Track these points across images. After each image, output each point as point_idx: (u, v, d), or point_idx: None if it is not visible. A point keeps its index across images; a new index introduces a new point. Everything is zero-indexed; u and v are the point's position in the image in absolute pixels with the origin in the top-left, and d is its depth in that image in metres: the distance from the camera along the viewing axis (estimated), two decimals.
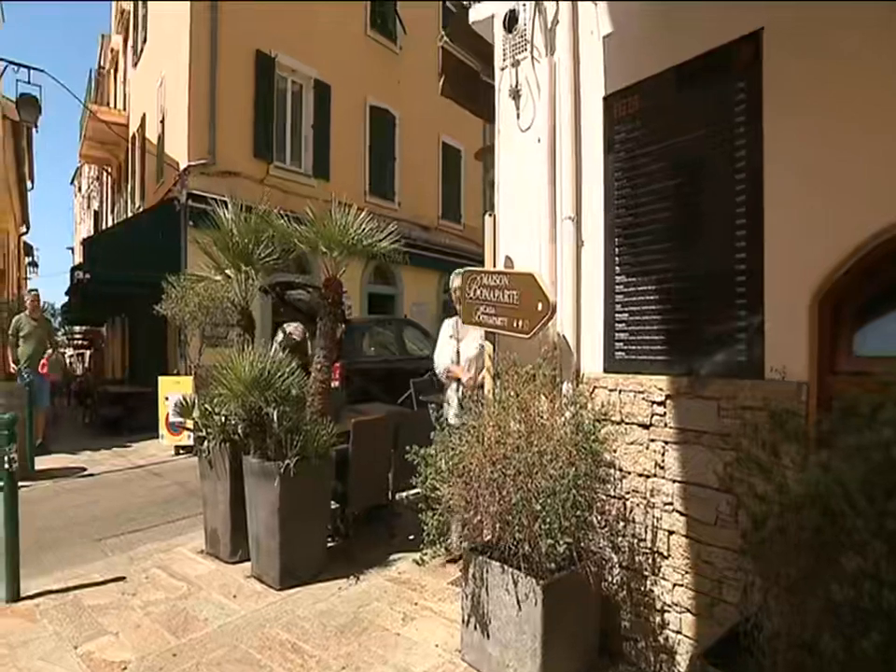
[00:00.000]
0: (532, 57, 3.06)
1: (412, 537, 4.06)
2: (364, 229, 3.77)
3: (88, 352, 19.49)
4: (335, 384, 4.45)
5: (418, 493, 2.70)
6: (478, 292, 3.01)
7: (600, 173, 2.80)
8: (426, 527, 2.51)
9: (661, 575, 2.53)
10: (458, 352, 3.89)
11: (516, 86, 3.11)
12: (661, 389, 2.53)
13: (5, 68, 10.23)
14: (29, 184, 18.95)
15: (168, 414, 7.77)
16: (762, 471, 1.59)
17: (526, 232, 3.02)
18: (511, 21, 3.11)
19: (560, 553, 2.15)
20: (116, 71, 18.72)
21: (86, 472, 6.96)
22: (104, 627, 3.07)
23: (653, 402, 2.56)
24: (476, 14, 3.39)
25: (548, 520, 2.09)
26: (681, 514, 2.47)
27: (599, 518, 2.41)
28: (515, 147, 3.15)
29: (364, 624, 3.04)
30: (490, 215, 3.10)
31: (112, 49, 19.39)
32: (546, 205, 2.91)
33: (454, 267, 12.54)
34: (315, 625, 3.05)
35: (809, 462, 1.48)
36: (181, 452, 7.88)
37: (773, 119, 2.21)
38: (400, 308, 13.26)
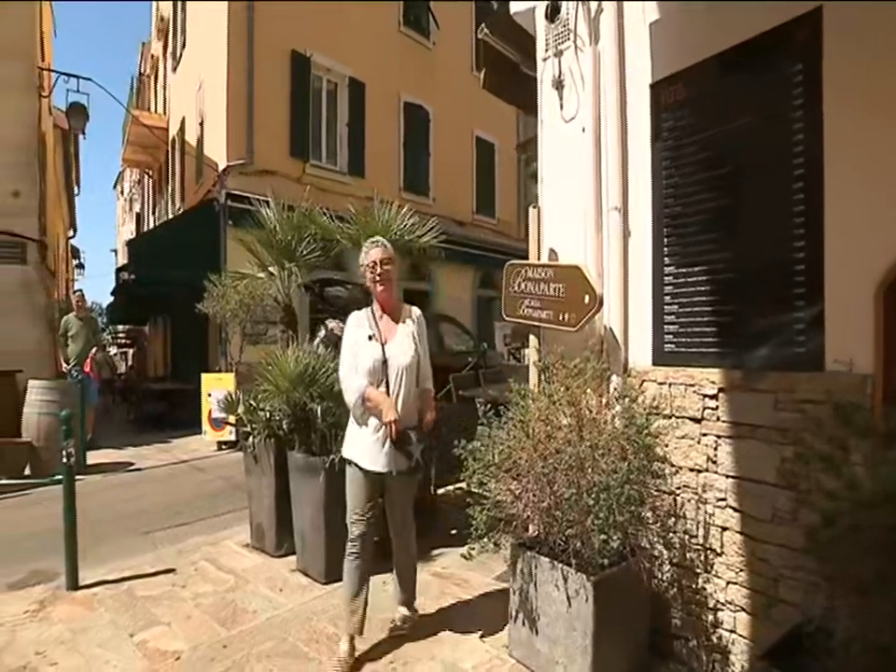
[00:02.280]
0: (575, 46, 3.01)
1: (453, 531, 4.06)
2: (406, 224, 3.78)
3: (131, 350, 20.04)
4: None
5: (460, 488, 2.71)
6: (522, 285, 2.99)
7: (647, 162, 2.74)
8: (473, 522, 2.49)
9: (714, 572, 2.47)
10: (385, 361, 2.63)
11: (559, 76, 3.07)
12: (713, 382, 2.46)
13: (56, 79, 10.60)
14: (76, 189, 19.66)
15: (211, 410, 7.93)
16: (829, 467, 1.53)
17: (571, 224, 2.98)
18: (553, 11, 3.06)
19: (613, 548, 2.12)
20: (156, 77, 19.18)
21: (133, 467, 7.18)
22: (156, 617, 3.16)
23: (705, 396, 2.50)
24: (517, 5, 3.35)
25: (601, 515, 2.06)
26: (735, 510, 2.40)
27: (650, 513, 2.36)
28: (559, 137, 3.11)
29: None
30: (534, 207, 3.07)
31: (152, 56, 19.88)
32: (591, 196, 2.86)
33: (489, 262, 12.45)
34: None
35: (882, 458, 1.41)
36: (223, 447, 8.05)
37: (833, 104, 2.12)
38: (435, 304, 13.27)
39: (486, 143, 15.30)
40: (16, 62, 8.76)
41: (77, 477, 6.00)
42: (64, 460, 3.62)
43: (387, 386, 2.64)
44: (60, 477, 3.71)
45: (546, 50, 3.17)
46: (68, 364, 8.03)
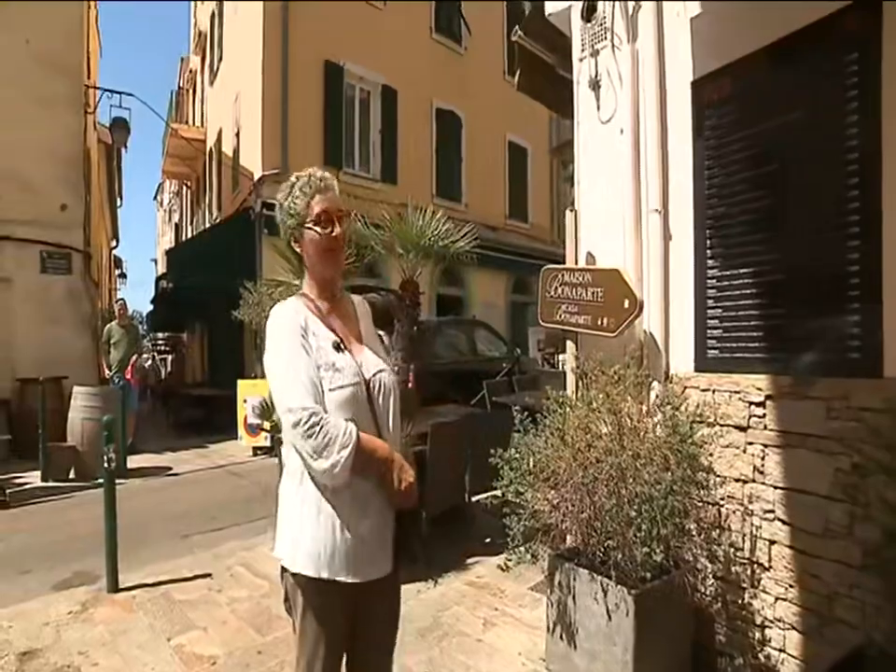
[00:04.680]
0: (612, 45, 2.96)
1: (488, 540, 4.02)
2: (440, 230, 3.76)
3: (170, 356, 20.51)
4: (409, 385, 4.46)
5: (495, 496, 2.64)
6: (559, 290, 2.93)
7: (689, 162, 2.67)
8: (510, 531, 2.44)
9: (761, 587, 2.37)
10: (367, 383, 1.56)
11: (596, 76, 3.01)
12: (759, 389, 2.36)
13: (101, 96, 10.98)
14: (119, 201, 20.31)
15: (246, 416, 8.03)
16: (892, 479, 1.44)
17: (609, 228, 2.91)
18: (589, 10, 3.01)
19: (656, 562, 2.04)
20: (194, 90, 19.69)
21: (172, 471, 7.30)
22: (193, 622, 3.19)
23: (751, 403, 2.40)
24: (552, 6, 3.32)
25: (643, 527, 1.99)
26: (784, 523, 2.30)
27: (694, 525, 2.27)
28: (596, 139, 3.05)
29: (444, 629, 3.01)
30: (571, 210, 3.01)
31: (191, 70, 20.42)
32: (630, 198, 2.80)
33: (522, 267, 12.38)
34: None
35: None
36: (258, 452, 8.14)
37: (892, 95, 2.00)
38: (469, 309, 13.24)
39: (519, 147, 15.26)
40: (64, 80, 9.10)
41: (119, 481, 6.19)
42: (105, 465, 3.70)
43: (376, 427, 1.56)
44: (102, 480, 3.79)
45: (582, 51, 3.12)
46: (110, 370, 8.24)
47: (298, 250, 1.61)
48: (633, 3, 2.83)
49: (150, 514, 5.39)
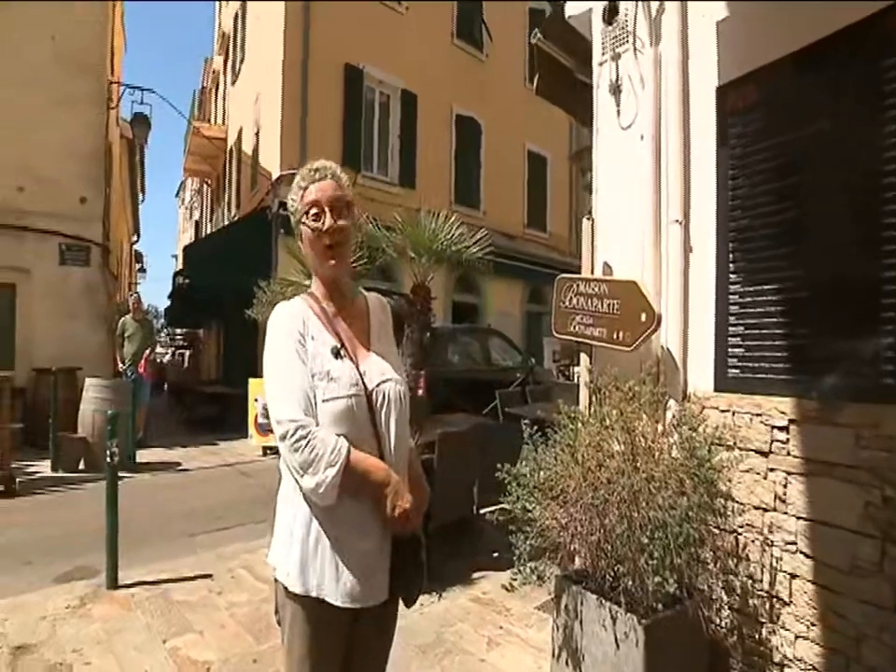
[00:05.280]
0: (634, 49, 2.85)
1: (495, 554, 3.91)
2: (453, 234, 3.68)
3: (187, 353, 20.67)
4: (419, 392, 4.39)
5: (504, 509, 2.54)
6: (573, 301, 2.83)
7: (712, 171, 2.55)
8: (517, 550, 2.34)
9: (780, 623, 2.24)
10: (368, 394, 1.43)
11: (616, 81, 2.92)
12: (783, 413, 2.24)
13: (123, 91, 11.09)
14: (141, 197, 20.57)
15: (257, 415, 8.01)
16: None
17: (628, 237, 2.81)
18: (611, 11, 2.92)
19: (668, 592, 1.93)
20: (216, 90, 19.86)
21: (181, 468, 7.30)
22: (190, 624, 3.13)
23: (774, 427, 2.28)
24: (573, 8, 3.23)
25: (656, 555, 1.88)
26: (807, 557, 2.17)
27: (710, 553, 2.15)
28: (615, 145, 2.95)
29: (447, 646, 2.91)
30: (588, 218, 2.92)
31: (213, 70, 20.62)
32: (650, 208, 2.69)
33: (539, 277, 12.24)
34: (397, 642, 2.94)
35: None
36: (268, 452, 8.10)
37: None
38: (484, 318, 13.14)
39: (538, 156, 15.16)
40: (88, 76, 9.22)
41: (127, 475, 6.25)
42: (108, 459, 3.66)
43: (378, 443, 1.43)
44: None
45: (603, 54, 3.03)
46: (123, 364, 8.27)
47: (304, 249, 1.51)
48: (656, 3, 2.73)
49: (156, 511, 5.36)
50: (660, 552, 1.88)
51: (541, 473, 2.30)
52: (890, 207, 1.97)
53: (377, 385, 1.45)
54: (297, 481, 1.35)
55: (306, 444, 1.29)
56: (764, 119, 2.38)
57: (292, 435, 1.30)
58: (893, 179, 1.96)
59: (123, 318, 8.51)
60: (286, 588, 1.41)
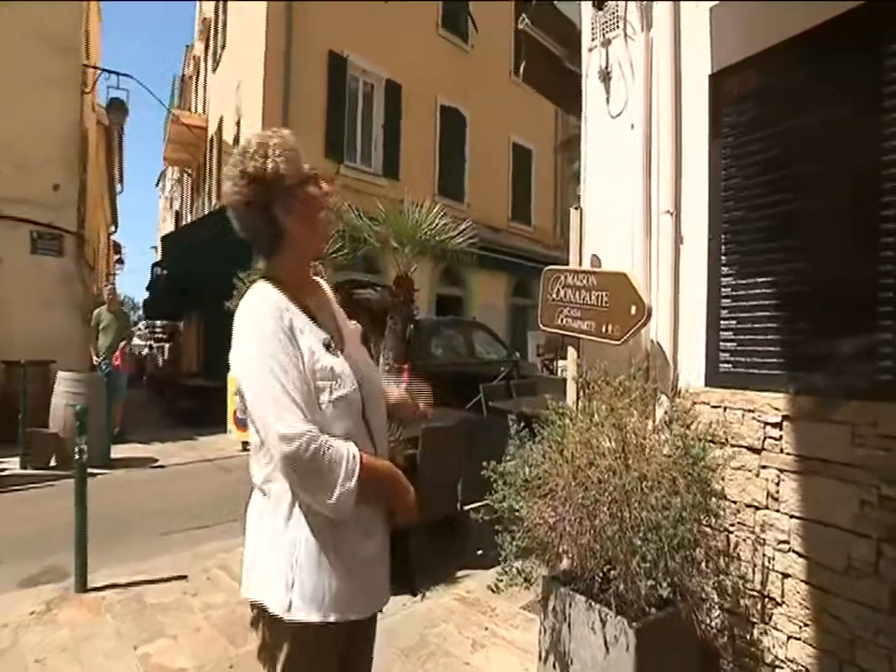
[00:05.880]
0: (625, 34, 2.77)
1: (480, 552, 3.84)
2: (436, 225, 3.58)
3: (167, 345, 20.34)
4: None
5: (489, 506, 2.46)
6: (561, 293, 2.75)
7: (704, 161, 2.48)
8: (503, 552, 2.26)
9: (772, 624, 2.19)
10: (362, 389, 1.35)
11: (606, 67, 2.83)
12: (777, 409, 2.18)
13: (99, 75, 10.78)
14: (119, 186, 20.13)
15: (236, 410, 7.86)
16: None
17: (617, 228, 2.73)
18: None
19: (661, 595, 1.86)
20: (197, 77, 19.48)
21: (158, 463, 7.12)
22: (163, 628, 3.02)
23: (766, 423, 2.22)
24: None
25: (648, 557, 1.81)
26: (800, 556, 2.12)
27: (701, 552, 2.09)
28: (604, 134, 2.87)
29: (431, 648, 2.83)
30: (576, 208, 2.83)
31: (194, 57, 20.21)
32: (640, 198, 2.62)
33: (524, 270, 12.21)
34: (378, 644, 2.86)
35: None
36: (248, 447, 7.96)
37: None
38: (469, 311, 13.07)
39: (523, 149, 15.10)
40: (62, 58, 8.92)
41: (101, 471, 6.06)
42: (77, 456, 3.50)
43: (370, 437, 1.36)
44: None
45: (592, 40, 2.94)
46: (98, 357, 8.07)
47: (281, 224, 1.31)
48: None
49: (130, 508, 5.20)
50: (653, 554, 1.81)
51: (529, 470, 2.22)
52: (887, 199, 1.90)
53: (364, 375, 1.36)
54: (309, 500, 1.22)
55: (323, 456, 1.16)
56: (759, 107, 2.31)
57: (306, 450, 1.14)
58: (891, 170, 1.90)
59: (98, 310, 8.30)
60: (283, 622, 1.24)
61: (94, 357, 8.18)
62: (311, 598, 1.23)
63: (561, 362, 9.39)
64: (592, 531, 1.93)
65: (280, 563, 1.26)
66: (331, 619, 1.24)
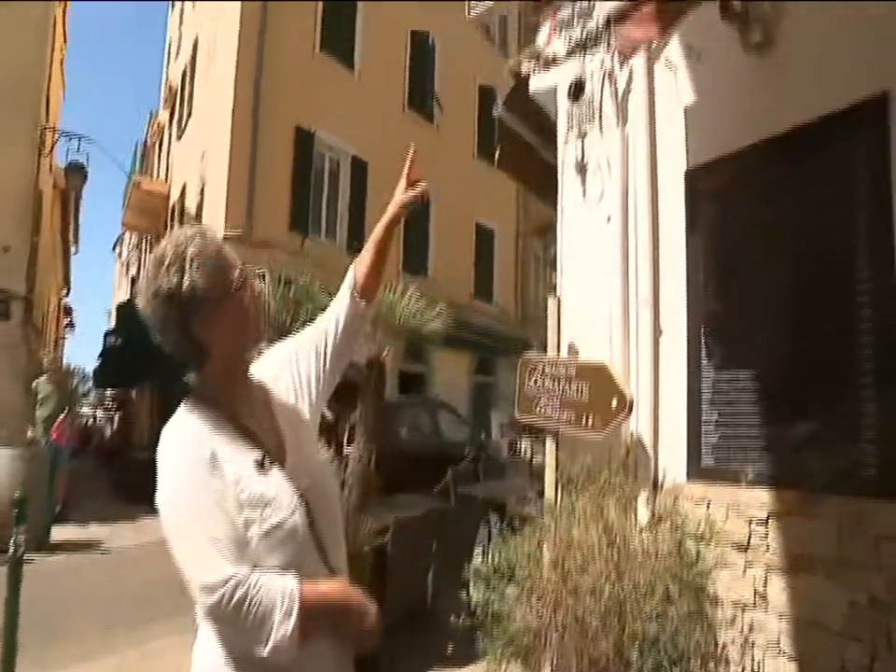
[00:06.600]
0: (601, 128, 2.87)
1: (451, 647, 3.61)
2: (410, 308, 3.55)
3: (117, 415, 19.49)
4: (371, 468, 4.11)
5: (460, 597, 2.30)
6: (539, 382, 2.71)
7: (682, 254, 2.55)
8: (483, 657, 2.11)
9: None
10: (307, 505, 1.16)
11: (582, 159, 2.92)
12: (762, 504, 2.16)
13: (58, 138, 10.66)
14: (73, 249, 19.67)
15: None
16: None
17: (595, 318, 2.74)
18: (577, 89, 2.94)
19: None
20: (160, 144, 19.60)
21: (104, 546, 6.63)
22: None
23: (752, 520, 2.19)
24: (538, 83, 3.22)
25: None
26: (792, 659, 2.05)
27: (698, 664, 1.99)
28: (581, 225, 2.93)
29: None
30: (553, 297, 2.84)
31: (158, 124, 20.40)
32: (618, 289, 2.65)
33: (486, 348, 12.05)
34: None
35: None
36: None
37: None
38: (431, 388, 12.89)
39: (486, 229, 15.41)
40: (18, 118, 8.84)
41: (39, 557, 5.55)
42: (11, 550, 3.10)
43: (322, 555, 1.18)
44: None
45: (568, 131, 3.03)
46: (34, 429, 7.60)
47: (203, 341, 1.17)
48: (623, 84, 2.75)
49: (73, 600, 4.74)
50: (649, 669, 1.71)
51: (508, 567, 2.10)
52: (862, 288, 1.97)
53: (310, 484, 1.18)
54: (243, 651, 1.06)
55: (252, 603, 1.01)
56: (736, 202, 2.41)
57: (230, 598, 1.00)
58: (862, 262, 1.98)
59: (36, 381, 7.89)
60: None
61: (29, 430, 7.70)
62: None
63: (525, 443, 9.28)
64: (583, 641, 1.81)
65: None
66: None
